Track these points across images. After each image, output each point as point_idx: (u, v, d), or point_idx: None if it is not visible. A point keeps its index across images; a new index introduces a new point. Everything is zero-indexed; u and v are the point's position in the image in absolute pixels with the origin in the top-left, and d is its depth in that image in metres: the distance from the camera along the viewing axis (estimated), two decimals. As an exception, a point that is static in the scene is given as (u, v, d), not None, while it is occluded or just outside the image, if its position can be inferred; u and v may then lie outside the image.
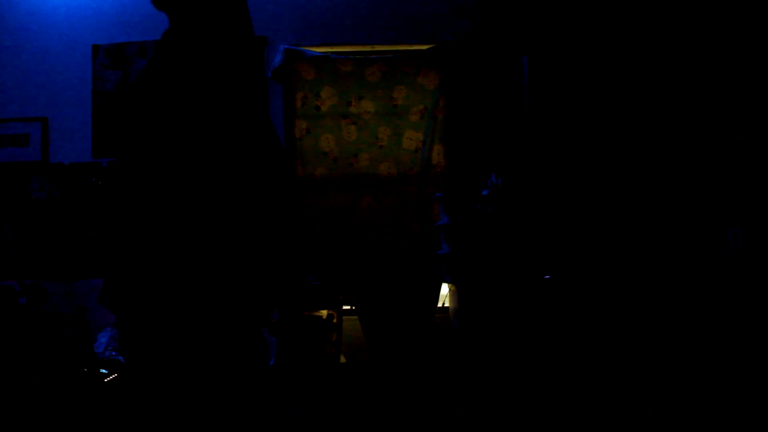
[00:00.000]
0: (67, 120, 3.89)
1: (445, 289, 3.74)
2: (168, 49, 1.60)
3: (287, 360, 3.36)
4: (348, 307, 3.67)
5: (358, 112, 3.90)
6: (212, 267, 1.52)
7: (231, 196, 1.54)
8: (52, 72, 3.92)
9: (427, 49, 3.90)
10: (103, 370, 3.02)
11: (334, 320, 3.40)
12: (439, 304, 3.77)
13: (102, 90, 3.89)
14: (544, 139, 3.70)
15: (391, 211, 3.84)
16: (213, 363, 1.53)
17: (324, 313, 3.40)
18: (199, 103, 1.53)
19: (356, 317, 3.66)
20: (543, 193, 3.24)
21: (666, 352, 2.91)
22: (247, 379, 1.59)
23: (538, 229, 3.11)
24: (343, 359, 3.56)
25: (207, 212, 1.52)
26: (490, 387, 2.88)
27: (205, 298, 1.52)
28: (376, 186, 3.86)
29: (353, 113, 3.90)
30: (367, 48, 3.97)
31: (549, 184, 3.44)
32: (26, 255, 3.82)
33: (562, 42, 3.80)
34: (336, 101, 3.90)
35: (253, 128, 1.60)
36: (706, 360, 2.86)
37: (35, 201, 3.84)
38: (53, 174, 3.85)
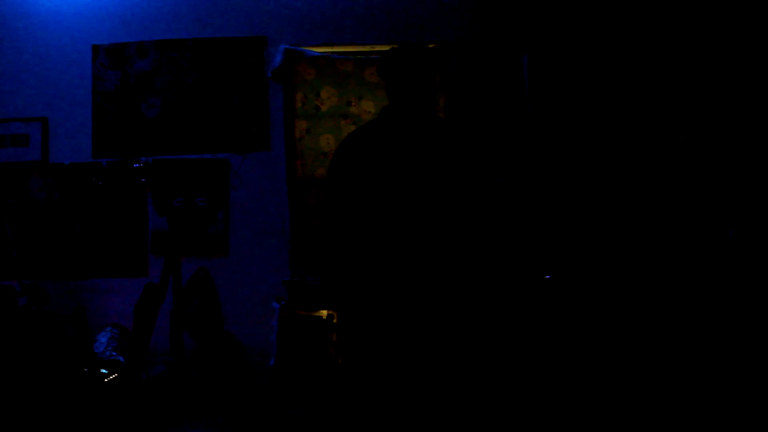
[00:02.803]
0: (67, 120, 3.89)
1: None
2: (392, 121, 2.22)
3: (287, 360, 3.36)
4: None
5: (358, 112, 3.90)
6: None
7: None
8: (52, 72, 3.92)
9: (427, 49, 3.90)
10: (103, 370, 3.02)
11: (334, 320, 3.40)
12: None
13: (102, 90, 3.89)
14: (545, 139, 3.70)
15: (391, 211, 3.83)
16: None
17: (324, 313, 3.40)
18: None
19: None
20: (543, 193, 3.24)
21: (666, 351, 2.91)
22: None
23: (538, 229, 3.11)
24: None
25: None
26: (489, 387, 2.88)
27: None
28: (376, 186, 3.86)
29: (353, 113, 3.90)
30: (367, 48, 3.96)
31: (549, 184, 3.44)
32: (26, 255, 3.82)
33: (563, 42, 3.80)
34: (336, 101, 3.91)
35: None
36: (706, 359, 2.86)
37: (35, 201, 3.84)
38: (53, 174, 3.85)
